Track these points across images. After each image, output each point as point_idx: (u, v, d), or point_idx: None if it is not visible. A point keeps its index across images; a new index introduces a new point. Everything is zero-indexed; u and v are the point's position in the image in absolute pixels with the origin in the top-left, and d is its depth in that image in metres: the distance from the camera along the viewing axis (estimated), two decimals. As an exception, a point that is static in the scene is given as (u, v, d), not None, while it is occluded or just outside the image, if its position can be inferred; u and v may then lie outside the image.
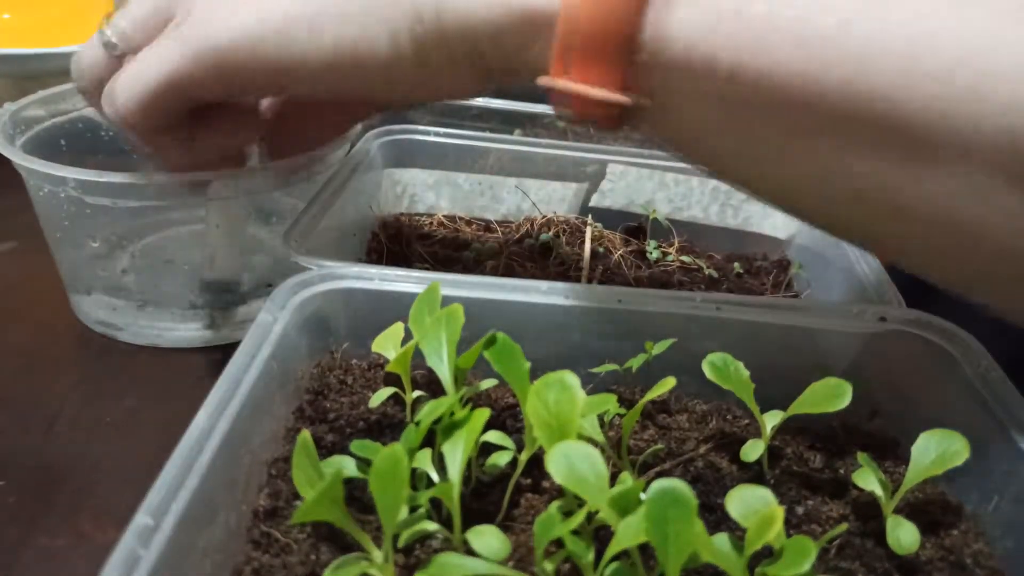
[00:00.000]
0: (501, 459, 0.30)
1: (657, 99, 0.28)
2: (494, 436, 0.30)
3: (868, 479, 0.29)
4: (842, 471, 0.33)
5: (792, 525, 0.30)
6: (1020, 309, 0.28)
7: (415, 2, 0.31)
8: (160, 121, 0.36)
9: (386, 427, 0.32)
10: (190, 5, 0.35)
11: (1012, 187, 0.24)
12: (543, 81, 0.29)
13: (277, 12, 0.32)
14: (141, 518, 0.22)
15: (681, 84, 0.28)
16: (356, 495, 0.28)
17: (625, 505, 0.23)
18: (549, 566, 0.24)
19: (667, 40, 0.27)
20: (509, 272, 0.50)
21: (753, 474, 0.32)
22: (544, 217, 0.57)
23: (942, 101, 0.24)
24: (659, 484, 0.22)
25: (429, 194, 0.59)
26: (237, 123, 0.40)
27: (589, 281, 0.50)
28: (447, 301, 0.31)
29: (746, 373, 0.32)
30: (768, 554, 0.24)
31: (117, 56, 0.37)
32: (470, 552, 0.25)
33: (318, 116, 0.44)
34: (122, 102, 0.35)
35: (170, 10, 0.36)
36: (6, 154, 0.43)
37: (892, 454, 0.34)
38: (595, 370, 0.36)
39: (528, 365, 0.29)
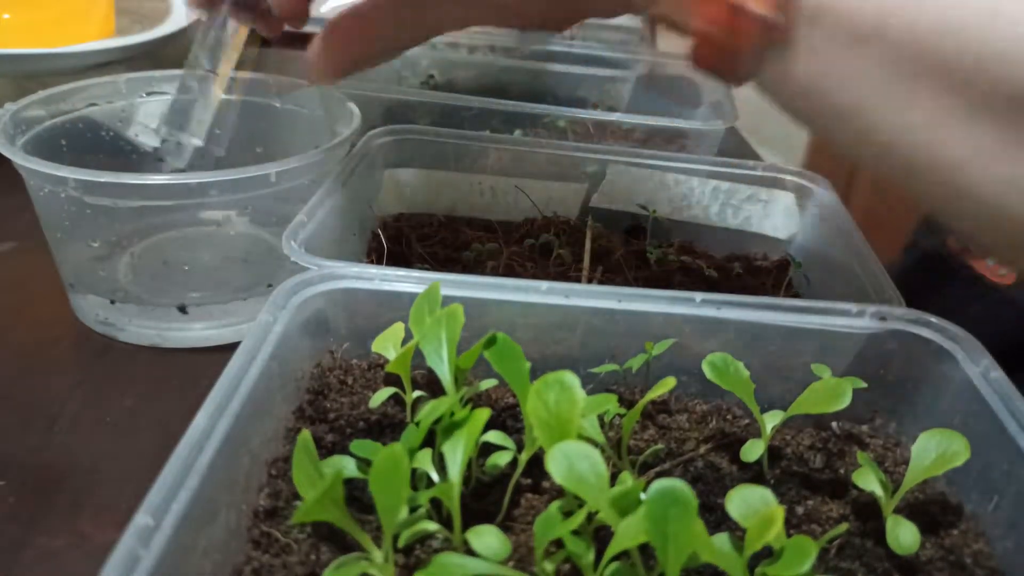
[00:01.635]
0: (501, 459, 0.30)
1: (802, 37, 0.28)
2: (494, 436, 0.30)
3: (868, 479, 0.29)
4: (842, 471, 0.33)
5: (792, 525, 0.30)
6: None
7: None
8: None
9: (386, 427, 0.32)
10: None
11: None
12: None
13: None
14: (141, 518, 0.22)
15: (827, 25, 0.28)
16: (356, 495, 0.28)
17: (625, 505, 0.23)
18: (549, 566, 0.24)
19: None
20: (509, 272, 0.50)
21: (753, 474, 0.32)
22: (544, 217, 0.57)
23: None
24: (659, 484, 0.22)
25: (429, 194, 0.59)
26: None
27: (589, 281, 0.50)
28: (447, 301, 0.31)
29: (746, 373, 0.32)
30: (768, 554, 0.24)
31: None
32: (470, 552, 0.25)
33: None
34: None
35: None
36: (6, 154, 0.43)
37: (892, 454, 0.34)
38: (595, 370, 0.36)
39: (528, 365, 0.29)
